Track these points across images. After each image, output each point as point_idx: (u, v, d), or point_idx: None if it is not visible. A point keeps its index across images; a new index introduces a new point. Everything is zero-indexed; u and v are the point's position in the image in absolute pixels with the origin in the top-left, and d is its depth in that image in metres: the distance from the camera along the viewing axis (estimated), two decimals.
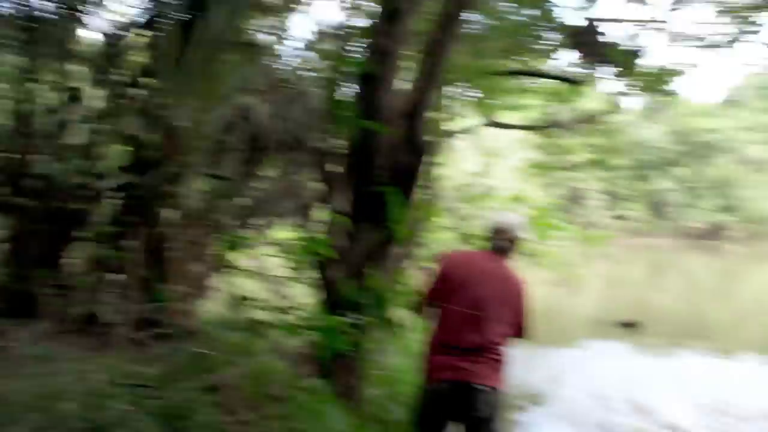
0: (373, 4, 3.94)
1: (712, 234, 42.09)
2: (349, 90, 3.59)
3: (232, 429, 2.84)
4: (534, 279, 8.56)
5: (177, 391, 2.92)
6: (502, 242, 2.89)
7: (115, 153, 6.94)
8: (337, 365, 3.24)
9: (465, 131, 6.77)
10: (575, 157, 7.39)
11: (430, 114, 3.50)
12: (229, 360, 3.68)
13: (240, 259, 4.75)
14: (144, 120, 5.35)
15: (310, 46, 4.67)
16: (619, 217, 43.46)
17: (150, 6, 5.10)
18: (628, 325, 8.86)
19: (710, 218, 42.14)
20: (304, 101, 3.85)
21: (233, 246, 4.28)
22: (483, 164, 8.16)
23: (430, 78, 3.37)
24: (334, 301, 3.03)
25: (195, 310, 4.85)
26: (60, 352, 3.87)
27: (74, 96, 5.90)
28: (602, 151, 8.34)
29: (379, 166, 3.39)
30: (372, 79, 3.38)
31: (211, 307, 4.38)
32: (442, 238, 10.53)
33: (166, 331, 4.00)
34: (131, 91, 5.22)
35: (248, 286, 4.07)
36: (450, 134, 6.63)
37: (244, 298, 3.19)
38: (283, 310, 2.83)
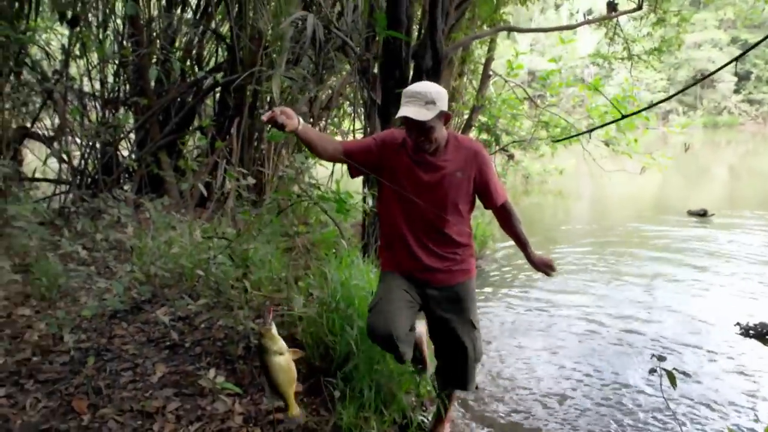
0: None
1: None
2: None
3: (289, 274, 3.89)
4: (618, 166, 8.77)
5: (252, 246, 4.01)
6: None
7: (214, 53, 8.02)
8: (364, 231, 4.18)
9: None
10: (640, 46, 7.32)
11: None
12: (298, 228, 4.76)
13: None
14: (235, 23, 6.28)
15: None
16: (751, 102, 39.50)
17: None
18: (698, 215, 8.92)
19: None
20: (350, 15, 4.51)
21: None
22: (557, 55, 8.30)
23: None
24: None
25: (278, 186, 5.97)
26: (177, 219, 5.12)
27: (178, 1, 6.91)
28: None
29: (405, 68, 4.07)
30: None
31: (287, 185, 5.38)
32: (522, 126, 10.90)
33: (253, 201, 5.13)
34: None
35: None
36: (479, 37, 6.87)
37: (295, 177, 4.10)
38: (317, 187, 3.73)
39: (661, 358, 2.20)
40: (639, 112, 2.28)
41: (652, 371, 2.20)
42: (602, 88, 8.97)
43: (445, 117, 2.32)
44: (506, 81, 9.25)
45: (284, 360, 2.04)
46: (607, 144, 9.98)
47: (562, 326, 4.56)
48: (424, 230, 2.41)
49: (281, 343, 2.04)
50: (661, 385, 2.14)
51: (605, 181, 12.54)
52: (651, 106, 2.11)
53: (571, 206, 11.21)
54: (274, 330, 2.05)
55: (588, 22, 7.06)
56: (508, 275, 5.99)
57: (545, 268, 2.55)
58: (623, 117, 2.12)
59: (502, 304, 5.11)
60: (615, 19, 7.18)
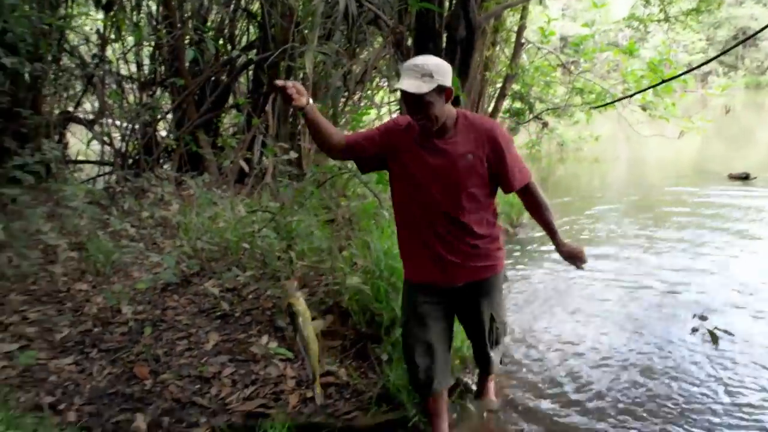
0: None
1: None
2: None
3: (333, 244, 3.99)
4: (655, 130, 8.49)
5: (295, 218, 4.12)
6: None
7: (245, 32, 8.08)
8: None
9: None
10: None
11: None
12: (338, 200, 4.86)
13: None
14: (266, 1, 6.33)
15: None
16: None
17: None
18: (740, 178, 8.70)
19: None
20: None
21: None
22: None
23: None
24: None
25: (315, 160, 6.07)
26: (218, 195, 5.27)
27: None
28: None
29: (438, 40, 4.07)
30: None
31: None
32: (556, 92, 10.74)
33: (293, 175, 5.24)
34: None
35: None
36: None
37: None
38: None
39: (703, 318, 2.24)
40: (677, 77, 2.27)
41: (694, 330, 2.24)
42: (637, 51, 8.77)
43: (446, 93, 2.11)
44: (539, 48, 9.10)
45: (311, 328, 2.10)
46: (644, 109, 9.77)
47: (602, 290, 4.55)
48: (440, 221, 2.22)
49: (308, 314, 2.11)
50: (703, 344, 2.18)
51: (642, 146, 12.25)
52: (689, 70, 2.10)
53: (608, 172, 11.03)
54: (302, 300, 2.10)
55: None
56: (546, 240, 5.99)
57: (574, 259, 2.47)
58: (662, 82, 2.12)
59: (539, 268, 5.13)
60: None
